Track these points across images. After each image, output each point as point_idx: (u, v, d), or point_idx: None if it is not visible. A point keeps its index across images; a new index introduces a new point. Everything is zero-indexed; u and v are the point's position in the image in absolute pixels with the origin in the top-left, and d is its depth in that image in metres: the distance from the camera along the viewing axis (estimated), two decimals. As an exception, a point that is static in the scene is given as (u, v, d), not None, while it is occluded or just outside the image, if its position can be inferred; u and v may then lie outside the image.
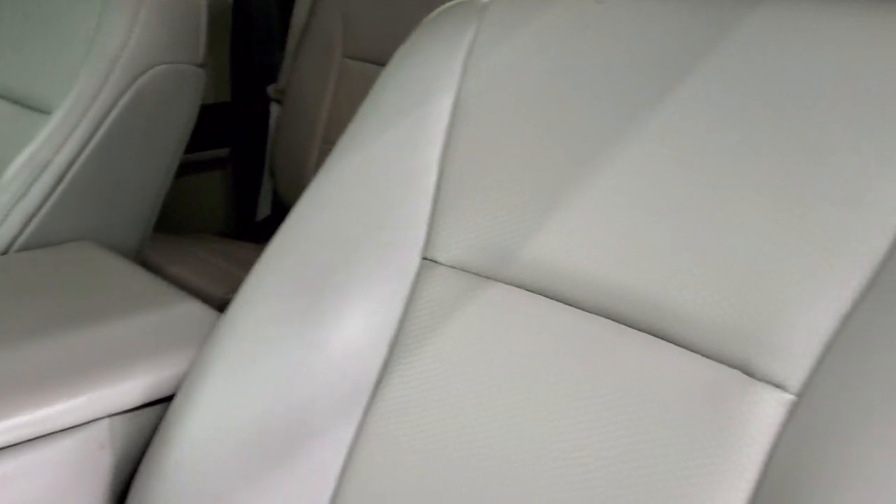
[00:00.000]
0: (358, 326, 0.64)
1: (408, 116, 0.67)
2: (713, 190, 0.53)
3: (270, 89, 1.67)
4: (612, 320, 0.56)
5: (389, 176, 0.66)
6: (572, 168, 0.60)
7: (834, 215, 0.49)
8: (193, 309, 0.77)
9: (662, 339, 0.53)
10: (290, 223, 0.68)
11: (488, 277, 0.62)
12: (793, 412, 0.47)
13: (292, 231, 0.68)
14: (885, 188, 0.48)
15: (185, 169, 1.63)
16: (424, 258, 0.64)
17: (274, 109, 1.66)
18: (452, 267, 0.63)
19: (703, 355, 0.51)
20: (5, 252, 0.93)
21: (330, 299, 0.65)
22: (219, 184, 1.72)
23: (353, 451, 0.62)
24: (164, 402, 0.68)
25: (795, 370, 0.48)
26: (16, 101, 1.03)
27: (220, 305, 0.73)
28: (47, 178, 0.93)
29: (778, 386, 0.48)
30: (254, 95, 1.68)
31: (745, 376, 0.49)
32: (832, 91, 0.51)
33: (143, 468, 0.65)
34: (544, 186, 0.61)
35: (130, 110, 0.97)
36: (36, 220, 0.94)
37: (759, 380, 0.49)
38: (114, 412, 0.66)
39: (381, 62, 0.87)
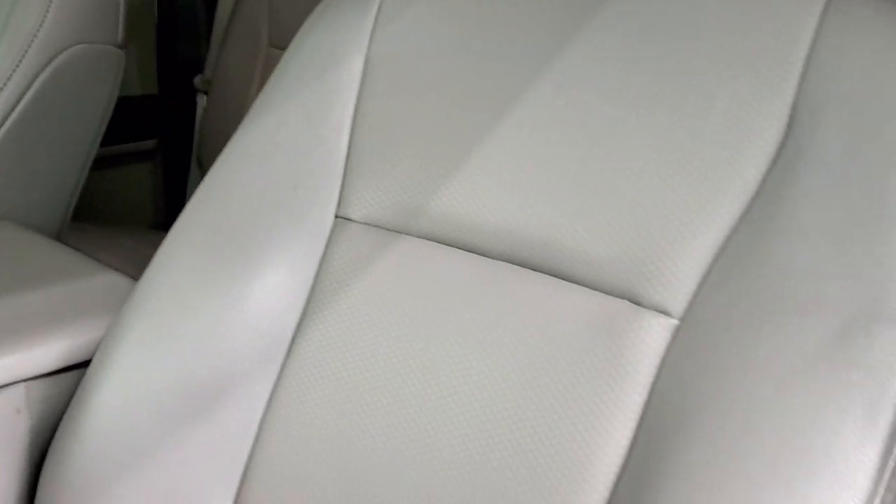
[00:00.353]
0: (274, 285, 0.65)
1: (319, 80, 0.69)
2: (605, 135, 0.56)
3: (197, 80, 1.66)
4: (516, 265, 0.58)
5: (302, 138, 0.68)
6: (475, 123, 0.62)
7: (713, 152, 0.52)
8: (112, 278, 0.78)
9: (561, 278, 0.56)
10: (206, 187, 0.70)
11: (399, 232, 0.64)
12: (675, 335, 0.50)
13: (207, 195, 0.69)
14: (761, 124, 0.52)
15: (112, 161, 1.62)
16: (338, 216, 0.66)
17: (201, 100, 1.66)
18: (365, 223, 0.65)
19: (596, 290, 0.54)
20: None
21: (246, 259, 0.66)
22: (147, 176, 1.71)
23: (270, 406, 0.63)
24: (82, 366, 0.68)
25: (678, 297, 0.51)
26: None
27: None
28: (-38, 158, 0.93)
29: (662, 312, 0.51)
30: (180, 87, 1.67)
31: (633, 305, 0.52)
32: (715, 35, 0.55)
33: (60, 432, 0.65)
34: (450, 142, 0.63)
35: (48, 90, 0.96)
36: (-49, 201, 0.94)
37: (646, 307, 0.52)
38: (30, 376, 0.66)
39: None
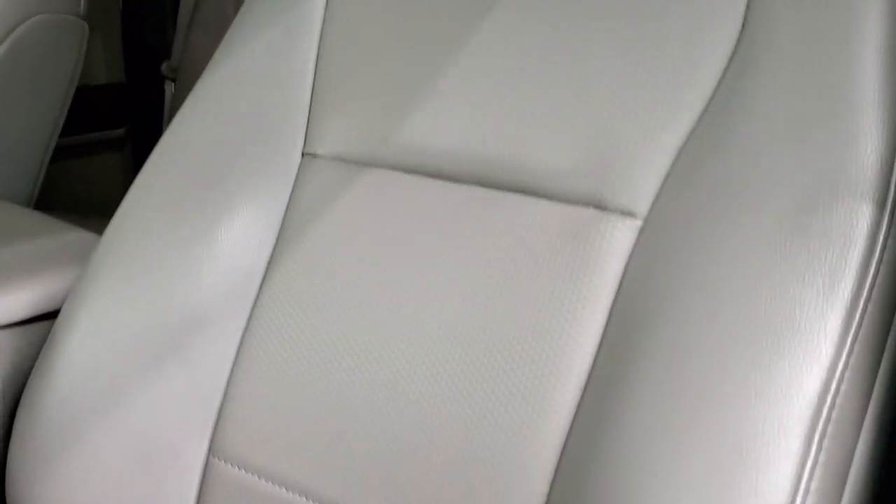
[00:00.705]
0: (243, 223, 0.65)
1: (282, 19, 0.69)
2: (563, 48, 0.57)
3: (164, 67, 1.65)
4: (483, 186, 0.59)
5: (267, 77, 0.68)
6: (439, 51, 0.63)
7: (672, 53, 0.53)
8: (81, 235, 0.77)
9: (528, 194, 0.57)
10: (172, 131, 0.69)
11: (367, 164, 0.64)
12: (640, 235, 0.51)
13: (174, 139, 0.69)
14: (717, 22, 0.53)
15: (81, 151, 1.61)
16: (305, 154, 0.66)
17: (169, 87, 1.65)
18: (332, 158, 0.65)
19: (563, 201, 0.55)
20: None
21: (214, 199, 0.66)
22: (118, 165, 1.70)
23: (243, 343, 0.63)
24: (53, 317, 0.68)
25: (642, 198, 0.52)
26: None
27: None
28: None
29: (627, 214, 0.52)
30: (148, 74, 1.67)
31: (599, 211, 0.53)
32: None
33: (32, 379, 0.65)
34: (413, 72, 0.63)
35: (9, 62, 0.96)
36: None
37: (612, 211, 0.52)
38: (0, 325, 0.65)
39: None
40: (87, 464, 0.62)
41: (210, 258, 0.64)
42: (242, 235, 0.65)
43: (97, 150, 1.65)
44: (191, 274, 0.64)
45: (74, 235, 0.77)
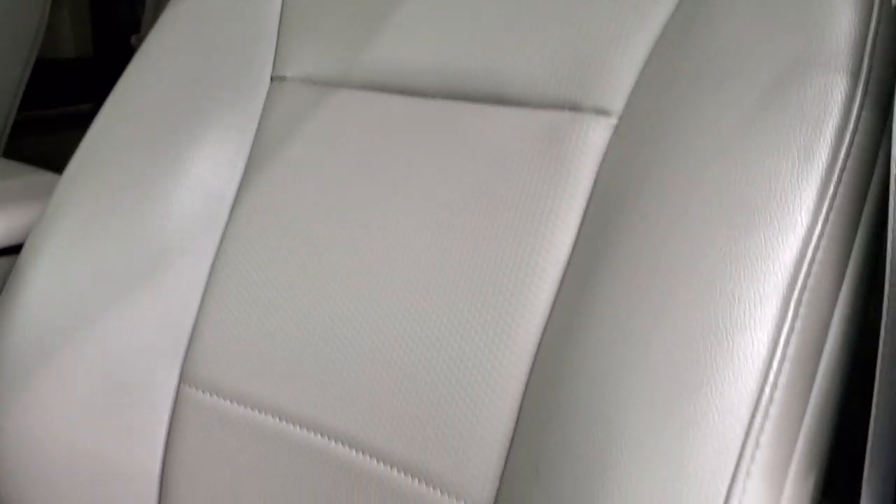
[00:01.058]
0: (214, 149, 0.64)
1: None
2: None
3: (134, 40, 1.64)
4: (457, 99, 0.58)
5: (233, 3, 0.67)
6: (409, -31, 0.62)
7: None
8: (47, 176, 0.76)
9: (502, 103, 0.56)
10: (139, 58, 0.68)
11: (336, 85, 0.63)
12: (615, 132, 0.51)
13: (138, 67, 0.68)
14: None
15: (48, 126, 1.59)
16: (273, 78, 0.65)
17: (138, 60, 1.63)
18: (301, 81, 0.64)
19: (537, 107, 0.54)
20: None
21: (183, 126, 0.65)
22: (85, 140, 1.68)
23: (214, 267, 0.62)
24: (19, 250, 0.67)
25: (616, 96, 0.51)
26: None
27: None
28: None
29: (602, 112, 0.52)
30: (117, 47, 1.65)
31: (573, 112, 0.53)
32: None
33: (-1, 307, 0.64)
34: (383, -10, 0.63)
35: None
36: None
37: (586, 111, 0.52)
38: (-37, 257, 0.64)
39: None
40: (56, 394, 0.61)
41: (179, 185, 0.63)
42: (212, 161, 0.64)
43: (64, 125, 1.62)
44: (159, 201, 0.63)
45: (39, 175, 0.76)
